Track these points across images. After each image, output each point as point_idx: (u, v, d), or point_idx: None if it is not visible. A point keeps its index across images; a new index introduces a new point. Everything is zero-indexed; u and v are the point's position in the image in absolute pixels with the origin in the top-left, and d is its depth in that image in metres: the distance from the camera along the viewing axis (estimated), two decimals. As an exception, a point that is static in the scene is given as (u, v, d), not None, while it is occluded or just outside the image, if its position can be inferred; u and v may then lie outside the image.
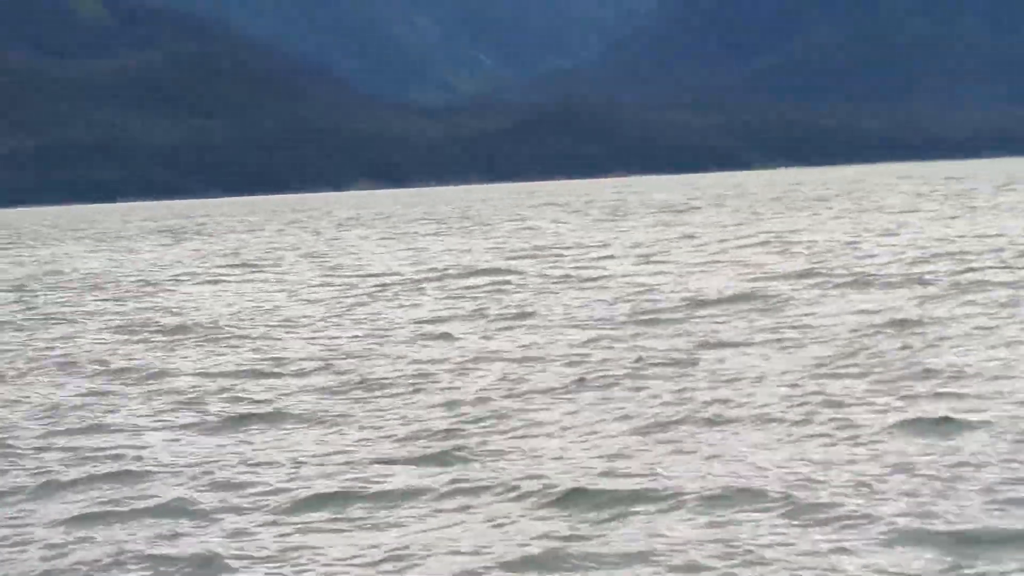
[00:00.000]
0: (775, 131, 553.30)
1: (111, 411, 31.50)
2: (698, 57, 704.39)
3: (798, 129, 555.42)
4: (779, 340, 36.57)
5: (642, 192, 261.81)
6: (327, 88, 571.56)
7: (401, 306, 52.16)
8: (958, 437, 23.96)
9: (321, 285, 64.76)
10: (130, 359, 40.25)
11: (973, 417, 25.22)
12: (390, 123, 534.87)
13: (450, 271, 68.42)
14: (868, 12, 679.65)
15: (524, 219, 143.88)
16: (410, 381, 33.29)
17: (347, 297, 57.42)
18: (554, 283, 57.33)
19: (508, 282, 59.23)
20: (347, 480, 23.43)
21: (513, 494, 21.77)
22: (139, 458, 26.08)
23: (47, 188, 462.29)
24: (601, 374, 32.31)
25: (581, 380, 31.77)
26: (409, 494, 22.21)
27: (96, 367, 38.82)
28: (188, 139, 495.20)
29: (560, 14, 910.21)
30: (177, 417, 30.39)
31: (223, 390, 33.78)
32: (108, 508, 22.61)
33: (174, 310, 56.00)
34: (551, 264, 69.17)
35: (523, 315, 45.99)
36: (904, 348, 33.81)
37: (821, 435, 24.79)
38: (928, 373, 30.09)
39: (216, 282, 71.25)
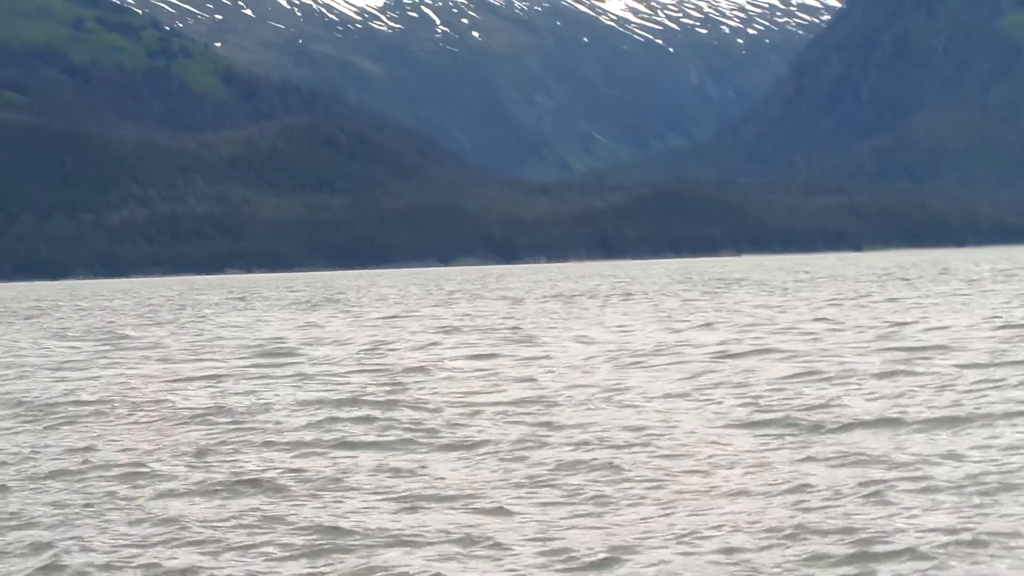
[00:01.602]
0: (886, 212, 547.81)
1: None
2: (810, 138, 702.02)
3: (909, 211, 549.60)
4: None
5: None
6: (442, 164, 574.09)
7: None
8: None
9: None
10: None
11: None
12: (502, 199, 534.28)
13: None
14: (980, 94, 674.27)
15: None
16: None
17: None
18: None
19: None
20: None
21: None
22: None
23: (155, 259, 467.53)
24: None
25: None
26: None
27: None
28: (299, 212, 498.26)
29: (675, 94, 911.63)
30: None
31: None
32: None
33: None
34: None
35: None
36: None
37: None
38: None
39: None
